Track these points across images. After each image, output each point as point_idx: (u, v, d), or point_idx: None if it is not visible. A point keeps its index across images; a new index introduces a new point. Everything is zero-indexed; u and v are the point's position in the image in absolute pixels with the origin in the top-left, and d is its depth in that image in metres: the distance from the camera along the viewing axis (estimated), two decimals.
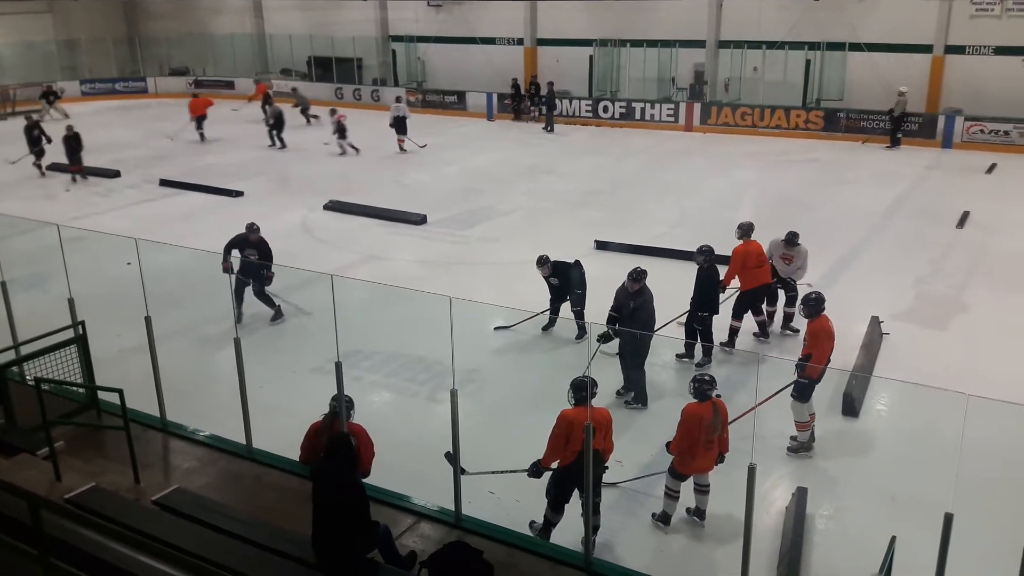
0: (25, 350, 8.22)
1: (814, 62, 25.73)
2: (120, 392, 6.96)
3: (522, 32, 30.49)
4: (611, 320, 9.32)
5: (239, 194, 18.40)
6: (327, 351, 7.15)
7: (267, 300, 11.42)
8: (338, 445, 5.51)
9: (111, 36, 36.80)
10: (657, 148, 23.90)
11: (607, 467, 6.83)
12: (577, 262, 10.94)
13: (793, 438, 8.18)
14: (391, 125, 23.81)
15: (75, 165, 20.13)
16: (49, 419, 6.86)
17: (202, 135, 25.38)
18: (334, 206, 17.32)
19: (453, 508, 6.56)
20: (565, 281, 10.83)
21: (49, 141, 20.57)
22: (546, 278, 10.98)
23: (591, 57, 29.24)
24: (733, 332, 10.38)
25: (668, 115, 26.85)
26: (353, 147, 23.20)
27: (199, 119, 25.41)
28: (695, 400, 6.78)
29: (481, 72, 30.82)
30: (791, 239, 10.70)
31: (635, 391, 9.00)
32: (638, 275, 9.17)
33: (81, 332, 8.31)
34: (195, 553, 5.19)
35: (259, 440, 7.70)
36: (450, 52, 32.04)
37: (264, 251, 11.41)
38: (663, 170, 21.09)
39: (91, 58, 35.38)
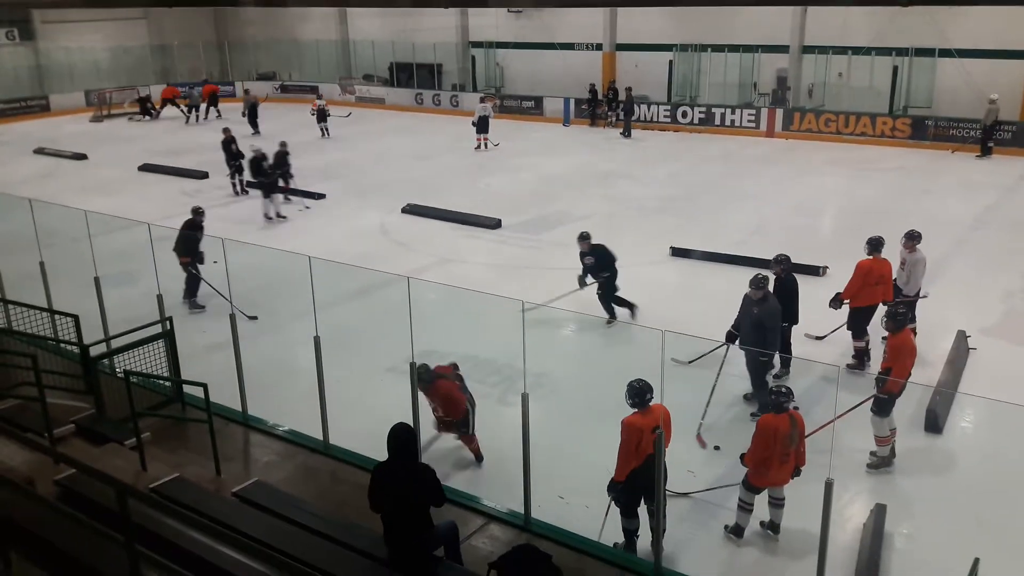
0: (116, 343, 8.59)
1: (902, 68, 24.97)
2: (204, 386, 7.22)
3: (601, 37, 30.36)
4: (730, 337, 9.06)
5: (321, 196, 18.80)
6: (402, 351, 7.29)
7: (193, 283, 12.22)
8: (398, 436, 5.45)
9: (202, 42, 38.06)
10: (737, 154, 23.54)
11: None
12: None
13: (873, 453, 7.97)
14: (474, 124, 24.59)
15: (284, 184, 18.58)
16: (137, 411, 7.14)
17: (159, 113, 31.71)
18: (411, 209, 17.57)
19: (523, 511, 6.60)
20: (599, 263, 11.30)
21: (242, 157, 19.04)
22: (582, 255, 11.48)
23: (671, 62, 28.97)
24: (860, 353, 9.98)
25: (749, 121, 26.43)
26: (327, 131, 27.09)
27: (165, 101, 31.74)
28: (771, 412, 6.68)
29: (559, 77, 30.82)
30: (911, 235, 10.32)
31: (761, 407, 8.80)
32: (760, 282, 8.86)
33: (169, 327, 8.64)
34: (272, 545, 5.32)
35: (336, 436, 7.88)
36: (528, 57, 32.17)
37: (200, 231, 12.24)
38: (742, 176, 20.75)
39: (182, 63, 36.66)
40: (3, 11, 31.87)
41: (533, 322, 6.50)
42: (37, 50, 34.60)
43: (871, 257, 9.89)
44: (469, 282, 12.63)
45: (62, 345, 9.18)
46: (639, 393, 6.44)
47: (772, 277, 9.31)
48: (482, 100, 26.71)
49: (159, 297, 9.39)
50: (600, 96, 28.94)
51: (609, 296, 11.44)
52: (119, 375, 7.90)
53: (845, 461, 7.68)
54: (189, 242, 11.96)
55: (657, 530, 6.24)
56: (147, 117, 31.90)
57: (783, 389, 6.80)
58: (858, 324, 9.95)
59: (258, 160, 17.29)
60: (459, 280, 12.63)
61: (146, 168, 22.71)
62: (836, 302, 9.94)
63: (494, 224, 16.35)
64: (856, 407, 7.84)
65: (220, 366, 8.73)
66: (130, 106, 32.57)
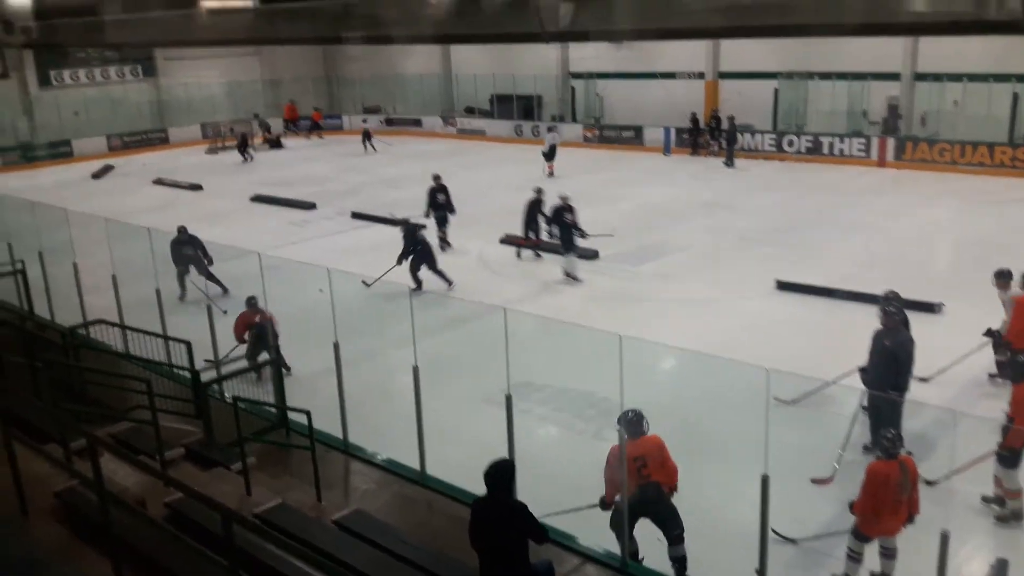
0: (225, 369, 8.89)
1: (1023, 95, 23.83)
2: (308, 413, 7.37)
3: (703, 66, 30.09)
4: (863, 377, 8.45)
5: (421, 227, 19.08)
6: (499, 381, 7.27)
7: (214, 279, 14.02)
8: (496, 471, 5.37)
9: (311, 77, 39.50)
10: (846, 184, 22.84)
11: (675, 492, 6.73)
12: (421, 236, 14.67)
13: (994, 502, 7.49)
14: (545, 152, 25.49)
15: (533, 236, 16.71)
16: (243, 436, 7.35)
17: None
18: (509, 240, 17.67)
19: (620, 553, 6.46)
20: (405, 243, 14.34)
21: (451, 209, 17.40)
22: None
23: (776, 90, 28.46)
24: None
25: (859, 150, 25.65)
26: (373, 147, 31.91)
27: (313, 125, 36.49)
28: (881, 457, 6.37)
29: (659, 106, 30.56)
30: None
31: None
32: (896, 309, 8.28)
33: (276, 355, 8.88)
34: None
35: (432, 467, 7.92)
36: (628, 87, 32.10)
37: (197, 243, 14.40)
38: (852, 207, 20.08)
39: (293, 97, 38.08)
40: (129, 51, 33.88)
41: (631, 356, 6.39)
42: (158, 86, 36.62)
43: None
44: (566, 313, 12.58)
45: (175, 370, 9.55)
46: (624, 422, 6.55)
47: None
48: (550, 129, 28.10)
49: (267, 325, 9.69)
50: (702, 125, 28.61)
51: (413, 270, 14.34)
52: (228, 401, 8.15)
53: (964, 511, 7.27)
54: (191, 255, 14.23)
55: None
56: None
57: (890, 434, 6.48)
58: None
59: (561, 210, 15.19)
60: (556, 311, 12.61)
61: (257, 199, 23.61)
62: (1003, 348, 9.28)
63: (592, 255, 16.27)
64: (977, 461, 7.39)
65: (323, 393, 8.91)
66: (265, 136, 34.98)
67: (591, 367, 10.45)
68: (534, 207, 16.49)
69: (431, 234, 17.10)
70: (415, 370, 7.88)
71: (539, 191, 16.71)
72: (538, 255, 16.59)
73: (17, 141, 32.28)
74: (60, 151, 32.56)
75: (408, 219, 15.06)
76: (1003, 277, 9.81)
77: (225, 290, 13.92)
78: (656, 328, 12.08)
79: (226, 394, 8.52)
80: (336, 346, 8.64)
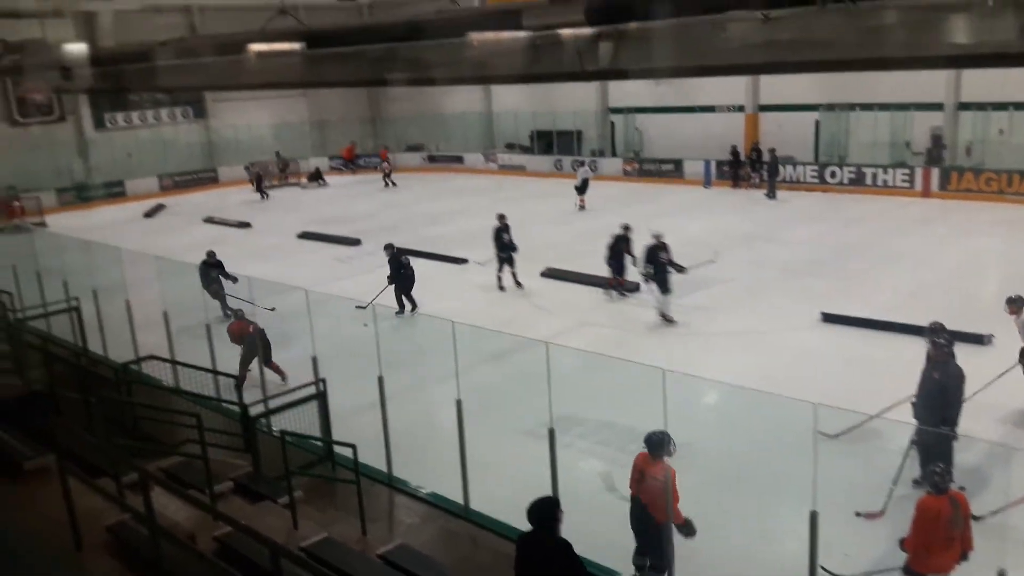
0: (273, 404, 9.04)
1: None
2: (353, 447, 7.46)
3: (743, 99, 30.08)
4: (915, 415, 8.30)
5: (463, 261, 19.28)
6: (541, 415, 7.32)
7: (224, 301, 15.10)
8: (539, 509, 5.38)
9: (357, 117, 40.22)
10: (890, 215, 22.58)
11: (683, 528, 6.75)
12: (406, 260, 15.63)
13: None
14: (577, 187, 25.69)
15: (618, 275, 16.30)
16: (290, 469, 7.46)
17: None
18: (550, 273, 17.74)
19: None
20: (391, 269, 15.41)
21: (515, 248, 17.05)
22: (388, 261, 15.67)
23: (817, 122, 28.33)
24: None
25: (903, 180, 25.37)
26: (393, 183, 33.37)
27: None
28: (931, 492, 6.26)
29: (698, 140, 30.55)
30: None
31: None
32: (946, 341, 8.21)
33: (322, 389, 9.01)
34: None
35: (475, 501, 7.95)
36: (667, 121, 32.17)
37: (222, 267, 15.40)
38: (896, 238, 19.85)
39: (339, 136, 38.78)
40: (180, 94, 34.91)
41: (675, 390, 6.39)
42: (208, 127, 37.54)
43: None
44: (608, 346, 12.57)
45: (224, 404, 9.72)
46: (648, 442, 6.72)
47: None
48: (582, 164, 28.66)
49: (313, 359, 9.82)
50: (743, 157, 28.55)
51: (397, 293, 15.41)
52: (275, 434, 8.28)
53: (1020, 548, 7.09)
54: (215, 276, 15.07)
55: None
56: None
57: (939, 468, 6.37)
58: None
59: (655, 249, 14.66)
60: (598, 344, 12.60)
61: (305, 235, 24.01)
62: None
63: (632, 288, 16.26)
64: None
65: (367, 427, 9.01)
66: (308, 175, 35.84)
67: (635, 401, 10.43)
68: (619, 243, 16.08)
69: (490, 273, 17.26)
70: (458, 404, 7.94)
71: (626, 228, 16.22)
72: (623, 294, 16.22)
73: (73, 182, 33.26)
74: (114, 191, 33.56)
75: (392, 244, 16.04)
76: (1013, 303, 9.78)
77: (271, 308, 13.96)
78: (701, 361, 12.05)
79: (274, 428, 8.66)
80: (380, 380, 8.75)
